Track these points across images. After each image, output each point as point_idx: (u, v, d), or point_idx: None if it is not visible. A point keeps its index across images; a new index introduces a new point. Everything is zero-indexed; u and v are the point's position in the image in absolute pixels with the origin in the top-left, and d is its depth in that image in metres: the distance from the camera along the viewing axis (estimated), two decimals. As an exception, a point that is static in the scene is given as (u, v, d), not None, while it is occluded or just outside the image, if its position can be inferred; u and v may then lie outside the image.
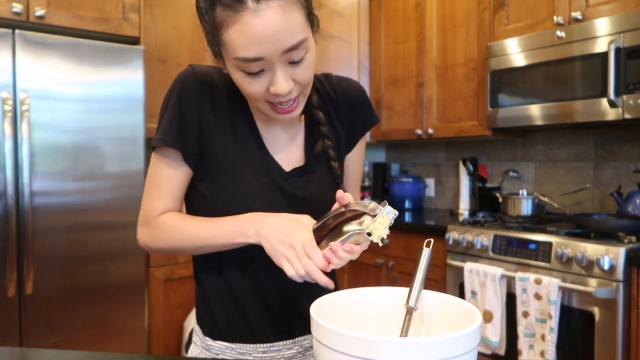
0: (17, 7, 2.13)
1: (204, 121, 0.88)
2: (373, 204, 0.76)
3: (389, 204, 0.75)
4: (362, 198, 3.23)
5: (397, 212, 0.75)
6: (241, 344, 0.92)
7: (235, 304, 0.92)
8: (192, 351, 0.98)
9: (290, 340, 0.94)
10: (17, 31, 2.07)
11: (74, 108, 2.19)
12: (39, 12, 2.18)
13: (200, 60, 2.87)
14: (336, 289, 0.89)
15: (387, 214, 0.74)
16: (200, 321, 0.97)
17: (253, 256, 0.88)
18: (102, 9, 2.35)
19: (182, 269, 2.56)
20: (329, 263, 0.74)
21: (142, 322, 2.39)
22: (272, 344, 0.93)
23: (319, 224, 0.78)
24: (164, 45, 2.75)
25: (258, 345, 0.92)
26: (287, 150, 0.93)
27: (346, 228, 0.77)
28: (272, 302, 0.92)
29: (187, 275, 2.58)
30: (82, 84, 2.21)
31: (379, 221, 0.74)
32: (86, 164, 2.22)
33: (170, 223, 0.88)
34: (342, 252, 0.74)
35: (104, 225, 2.27)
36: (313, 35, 0.81)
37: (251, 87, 0.78)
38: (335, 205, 0.79)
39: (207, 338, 0.95)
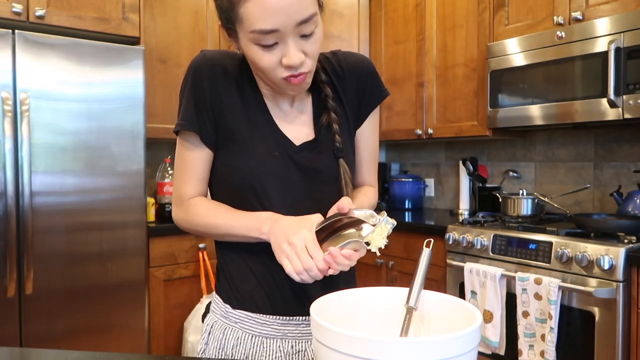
0: (17, 7, 2.13)
1: (216, 102, 0.92)
2: (370, 213, 0.78)
3: (387, 214, 0.78)
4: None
5: (395, 223, 0.79)
6: (260, 314, 0.94)
7: (256, 275, 0.95)
8: (210, 319, 1.00)
9: (310, 317, 0.94)
10: (17, 31, 2.07)
11: (74, 108, 2.19)
12: (39, 12, 2.18)
13: (200, 60, 2.86)
14: (352, 286, 0.90)
15: (385, 225, 0.77)
16: (220, 290, 1.00)
17: None
18: (102, 9, 2.35)
19: (182, 269, 2.56)
20: (329, 267, 0.77)
21: (142, 322, 2.39)
22: (291, 318, 0.94)
23: (320, 226, 0.80)
24: (164, 45, 2.75)
25: (277, 317, 0.94)
26: (296, 126, 0.96)
27: (346, 233, 0.79)
28: (290, 279, 0.92)
29: (187, 275, 2.58)
30: (82, 84, 2.21)
31: (378, 232, 0.77)
32: (86, 164, 2.22)
33: (197, 209, 0.94)
34: (342, 257, 0.77)
35: (104, 225, 2.27)
36: (320, 14, 0.85)
37: (265, 59, 0.82)
38: (335, 210, 0.81)
39: (227, 306, 0.97)
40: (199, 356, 0.98)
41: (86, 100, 2.22)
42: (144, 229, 2.38)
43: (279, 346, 0.93)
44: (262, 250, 0.91)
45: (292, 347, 0.94)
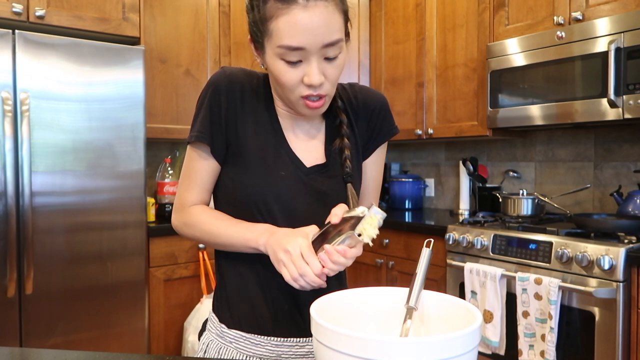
0: (17, 7, 2.13)
1: (231, 117, 0.95)
2: (361, 208, 0.79)
3: (376, 206, 0.79)
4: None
5: (384, 213, 0.79)
6: (255, 335, 0.95)
7: (252, 297, 0.96)
8: (206, 338, 1.01)
9: (304, 339, 0.96)
10: (17, 31, 2.06)
11: (74, 108, 2.19)
12: (39, 12, 2.18)
13: (200, 60, 2.87)
14: (343, 288, 0.91)
15: (374, 215, 0.78)
16: (216, 309, 1.01)
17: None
18: (102, 9, 2.35)
19: (182, 269, 2.56)
20: (323, 267, 0.78)
21: (142, 322, 2.39)
22: (285, 339, 0.95)
23: (317, 235, 0.81)
24: (164, 45, 2.75)
25: (272, 338, 0.95)
26: (308, 148, 0.98)
27: (341, 233, 0.81)
28: (287, 300, 0.96)
29: (187, 275, 2.58)
30: (82, 84, 2.21)
31: (368, 221, 0.78)
32: (86, 164, 2.22)
33: (198, 216, 0.96)
34: (336, 254, 0.78)
35: (104, 225, 2.27)
36: (345, 42, 0.90)
37: (287, 75, 0.85)
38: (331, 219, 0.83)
39: (223, 325, 0.98)
40: None
41: (86, 100, 2.22)
42: (144, 229, 2.38)
43: None
44: (258, 272, 0.95)
45: None
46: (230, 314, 0.97)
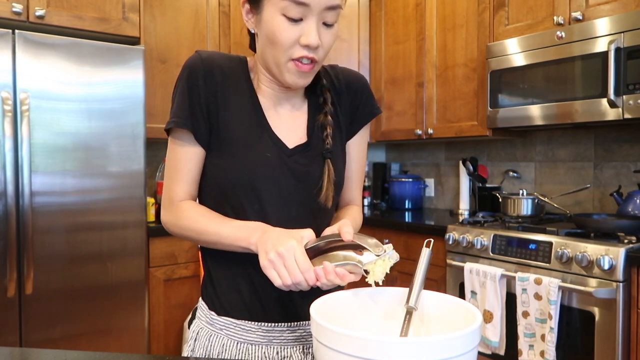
0: (17, 7, 2.13)
1: (211, 101, 0.93)
2: (374, 241, 0.76)
3: (392, 248, 0.75)
4: (363, 198, 3.23)
5: (399, 257, 0.77)
6: (245, 321, 0.94)
7: (240, 283, 0.95)
8: (195, 325, 1.00)
9: (295, 323, 0.95)
10: (17, 31, 2.06)
11: (74, 108, 2.19)
12: (39, 12, 2.18)
13: (200, 60, 2.86)
14: (339, 288, 0.91)
15: (389, 259, 0.74)
16: (205, 296, 1.00)
17: None
18: (102, 9, 2.35)
19: (182, 269, 2.56)
20: (317, 280, 0.76)
21: (142, 322, 2.39)
22: (276, 324, 0.94)
23: (314, 244, 0.78)
24: (164, 45, 2.75)
25: (262, 323, 0.94)
26: (290, 129, 0.97)
27: (345, 254, 0.77)
28: (274, 287, 0.93)
29: (187, 275, 2.58)
30: (82, 84, 2.21)
31: (380, 264, 0.75)
32: (86, 164, 2.22)
33: (187, 212, 0.93)
34: (334, 275, 0.76)
35: (104, 225, 2.27)
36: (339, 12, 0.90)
37: (285, 32, 0.85)
38: (333, 230, 0.81)
39: (212, 313, 0.97)
40: None
41: (86, 100, 2.22)
42: (144, 229, 2.38)
43: (264, 352, 0.94)
44: (246, 258, 0.92)
45: (277, 353, 0.94)
46: (219, 301, 0.96)
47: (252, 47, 0.99)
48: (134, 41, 2.46)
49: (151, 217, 2.62)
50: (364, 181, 3.51)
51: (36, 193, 2.10)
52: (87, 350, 2.19)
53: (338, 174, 0.98)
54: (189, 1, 2.82)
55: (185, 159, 0.94)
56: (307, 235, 0.80)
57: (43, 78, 2.11)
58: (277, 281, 0.76)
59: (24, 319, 2.09)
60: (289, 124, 0.97)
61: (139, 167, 2.35)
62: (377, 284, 0.75)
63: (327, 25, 0.87)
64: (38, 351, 0.92)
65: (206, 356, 0.95)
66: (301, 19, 0.84)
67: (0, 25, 2.14)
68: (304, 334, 0.96)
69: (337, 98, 1.02)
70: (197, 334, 0.98)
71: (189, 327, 1.04)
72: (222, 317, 0.95)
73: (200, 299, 1.02)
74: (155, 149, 3.01)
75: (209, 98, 0.92)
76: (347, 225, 0.80)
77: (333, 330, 0.61)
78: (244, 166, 0.91)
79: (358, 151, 1.06)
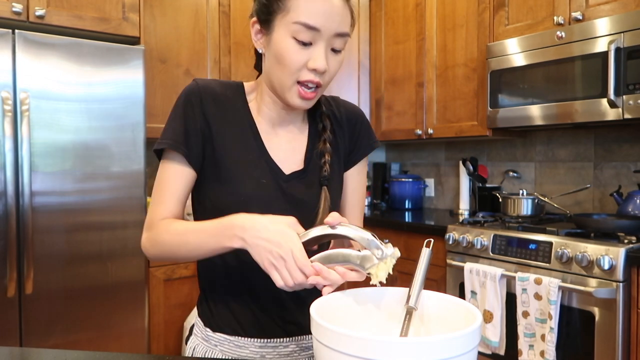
0: (17, 7, 2.13)
1: (206, 128, 0.93)
2: (375, 242, 0.73)
3: (393, 246, 0.74)
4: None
5: (399, 254, 0.76)
6: (239, 337, 0.96)
7: (234, 300, 0.96)
8: (192, 342, 1.02)
9: (288, 339, 0.96)
10: (17, 31, 2.06)
11: (74, 108, 2.19)
12: (39, 12, 2.18)
13: (200, 60, 2.87)
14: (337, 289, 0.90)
15: (391, 258, 0.74)
16: (201, 313, 1.02)
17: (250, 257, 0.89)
18: (102, 9, 2.35)
19: (182, 269, 2.56)
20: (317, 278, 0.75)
21: (142, 322, 2.39)
22: (269, 340, 0.95)
23: (307, 238, 0.77)
24: (164, 45, 2.75)
25: (255, 339, 0.95)
26: (288, 156, 0.98)
27: (345, 252, 0.75)
28: (268, 302, 0.95)
29: (187, 275, 2.58)
30: (82, 84, 2.21)
31: (382, 267, 0.74)
32: (86, 163, 2.22)
33: (164, 227, 0.90)
34: (335, 275, 0.75)
35: (104, 225, 2.27)
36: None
37: (294, 55, 0.86)
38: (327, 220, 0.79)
39: (208, 329, 0.99)
40: None
41: (86, 100, 2.22)
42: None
43: None
44: (238, 278, 0.94)
45: None
46: (214, 318, 0.98)
47: (257, 67, 0.99)
48: (134, 41, 2.46)
49: (151, 217, 2.62)
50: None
51: (36, 193, 2.10)
52: (87, 350, 2.19)
53: (334, 202, 0.98)
54: (189, 1, 2.82)
55: (175, 177, 0.93)
56: (295, 229, 0.78)
57: (43, 78, 2.11)
58: (279, 282, 0.75)
59: (24, 319, 2.09)
60: (288, 148, 0.98)
61: (139, 167, 2.35)
62: (380, 284, 0.75)
63: (334, 51, 0.88)
64: (38, 351, 0.92)
65: None
66: (311, 43, 0.85)
67: (0, 25, 2.14)
68: (297, 348, 0.97)
69: (338, 128, 1.03)
70: (194, 350, 1.01)
71: (186, 343, 1.06)
72: (217, 334, 0.97)
73: (197, 315, 1.04)
74: (155, 149, 3.00)
75: (204, 126, 0.93)
76: (332, 216, 0.78)
77: (333, 330, 0.61)
78: (239, 192, 0.92)
79: (358, 181, 1.07)
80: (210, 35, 2.89)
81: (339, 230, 0.76)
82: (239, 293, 0.96)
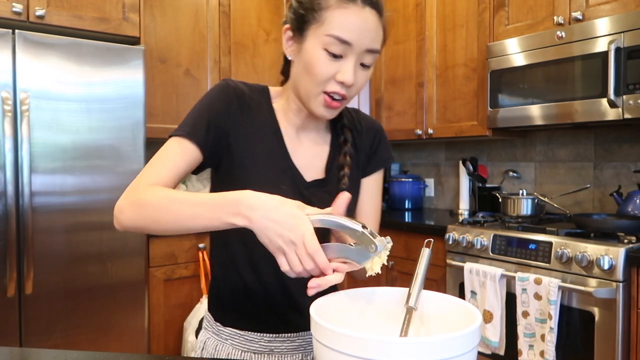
0: (17, 7, 2.13)
1: (230, 128, 0.94)
2: (367, 237, 0.71)
3: (385, 238, 0.73)
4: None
5: (392, 242, 0.75)
6: (249, 332, 0.98)
7: (244, 296, 0.98)
8: (202, 336, 1.04)
9: (295, 334, 0.99)
10: (17, 31, 2.06)
11: (74, 108, 2.19)
12: (39, 12, 2.18)
13: (200, 60, 2.87)
14: (337, 288, 0.90)
15: (385, 251, 0.73)
16: (211, 308, 1.04)
17: (261, 252, 0.86)
18: (102, 9, 2.35)
19: (182, 269, 2.56)
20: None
21: (142, 322, 2.39)
22: (277, 335, 0.98)
23: (315, 221, 0.74)
24: (164, 45, 2.75)
25: (264, 334, 0.98)
26: (310, 163, 0.99)
27: (340, 247, 0.74)
28: (277, 297, 0.97)
29: (187, 275, 2.58)
30: (82, 84, 2.21)
31: (377, 261, 0.74)
32: (86, 164, 2.22)
33: (156, 190, 0.84)
34: (338, 277, 0.74)
35: (104, 225, 2.27)
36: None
37: (323, 66, 0.87)
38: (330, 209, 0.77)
39: (218, 324, 1.01)
40: None
41: (86, 100, 2.22)
42: (144, 229, 2.38)
43: None
44: (249, 274, 0.96)
45: None
46: (224, 313, 1.00)
47: (284, 72, 1.00)
48: (134, 41, 2.46)
49: (151, 217, 2.62)
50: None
51: (36, 193, 2.10)
52: (87, 350, 2.19)
53: (350, 213, 1.00)
54: (189, 1, 2.82)
55: (179, 153, 0.90)
56: (302, 206, 0.75)
57: (43, 78, 2.11)
58: (284, 267, 0.72)
59: (24, 319, 2.09)
60: (310, 155, 1.00)
61: (139, 167, 2.35)
62: (376, 274, 0.76)
63: (363, 66, 0.89)
64: (38, 351, 0.93)
65: None
66: (341, 56, 0.86)
67: (0, 25, 2.14)
68: (303, 343, 1.00)
69: (359, 140, 1.05)
70: (204, 343, 1.03)
71: (196, 337, 1.07)
72: (228, 328, 1.00)
73: (207, 310, 1.05)
74: (155, 149, 2.99)
75: (227, 125, 0.93)
76: (341, 198, 0.78)
77: (333, 330, 0.61)
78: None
79: (372, 191, 1.08)
80: (210, 35, 2.89)
81: (337, 219, 0.73)
82: (249, 289, 0.97)
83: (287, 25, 0.93)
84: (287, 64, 0.98)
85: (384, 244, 0.73)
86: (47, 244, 2.13)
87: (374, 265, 0.74)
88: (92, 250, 2.24)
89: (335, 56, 0.86)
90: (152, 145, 2.96)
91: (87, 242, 2.23)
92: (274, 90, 1.02)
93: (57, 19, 2.24)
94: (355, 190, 1.02)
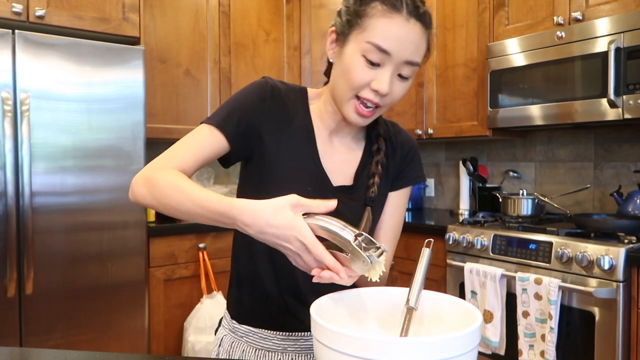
0: (17, 7, 2.13)
1: (262, 124, 0.95)
2: (351, 240, 0.70)
3: (382, 247, 0.72)
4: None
5: (387, 249, 0.75)
6: (263, 330, 1.00)
7: (259, 296, 1.00)
8: (220, 333, 1.07)
9: (308, 333, 1.00)
10: (17, 31, 2.06)
11: (74, 108, 2.19)
12: (39, 12, 2.18)
13: (200, 60, 2.87)
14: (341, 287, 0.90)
15: (379, 264, 0.72)
16: (229, 307, 1.07)
17: (277, 254, 0.90)
18: (102, 9, 2.35)
19: (182, 269, 2.56)
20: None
21: (142, 322, 2.39)
22: (291, 334, 0.99)
23: (312, 221, 0.73)
24: (164, 45, 2.75)
25: (278, 332, 0.99)
26: (339, 168, 0.99)
27: (336, 254, 0.73)
28: (291, 297, 0.99)
29: (187, 275, 2.58)
30: (82, 84, 2.21)
31: (372, 273, 0.72)
32: (86, 164, 2.22)
33: (171, 172, 0.87)
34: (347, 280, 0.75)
35: (104, 225, 2.27)
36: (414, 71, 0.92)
37: (361, 72, 0.87)
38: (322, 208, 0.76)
39: (234, 321, 1.03)
40: None
41: (86, 100, 2.22)
42: (144, 229, 2.38)
43: (280, 358, 0.99)
44: (266, 275, 0.98)
45: (291, 359, 0.99)
46: (242, 311, 1.02)
47: (327, 74, 1.00)
48: (134, 41, 2.46)
49: (151, 217, 2.62)
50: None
51: (36, 193, 2.10)
52: (87, 350, 2.19)
53: (374, 223, 1.00)
54: (189, 1, 2.82)
55: (207, 140, 0.92)
56: (295, 204, 0.74)
57: (43, 78, 2.11)
58: (297, 265, 0.76)
59: (24, 319, 2.09)
60: (340, 160, 0.99)
61: (139, 167, 2.35)
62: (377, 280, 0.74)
63: (401, 77, 0.89)
64: (38, 351, 0.93)
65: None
66: (379, 65, 0.86)
67: (0, 25, 2.14)
68: None
69: (392, 152, 1.04)
70: (221, 340, 1.05)
71: (215, 334, 1.10)
72: (243, 326, 1.02)
73: (225, 308, 1.08)
74: (155, 149, 3.00)
75: (260, 123, 0.94)
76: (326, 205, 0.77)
77: (333, 330, 0.61)
78: (280, 193, 0.87)
79: (397, 205, 1.06)
80: (210, 35, 2.89)
81: (333, 226, 0.72)
82: (265, 288, 0.99)
83: (333, 28, 0.93)
84: (329, 66, 0.99)
85: (375, 258, 0.71)
86: (47, 244, 2.13)
87: (371, 276, 0.73)
88: (92, 250, 2.24)
89: (373, 64, 0.86)
90: (152, 145, 2.96)
91: (87, 242, 2.23)
92: (312, 91, 1.02)
93: (57, 19, 2.24)
94: (380, 202, 1.02)
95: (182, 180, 0.85)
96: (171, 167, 0.89)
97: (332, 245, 0.73)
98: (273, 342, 0.99)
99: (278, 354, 0.99)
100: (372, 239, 0.73)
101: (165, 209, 0.86)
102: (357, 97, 0.89)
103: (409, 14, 0.86)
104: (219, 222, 0.79)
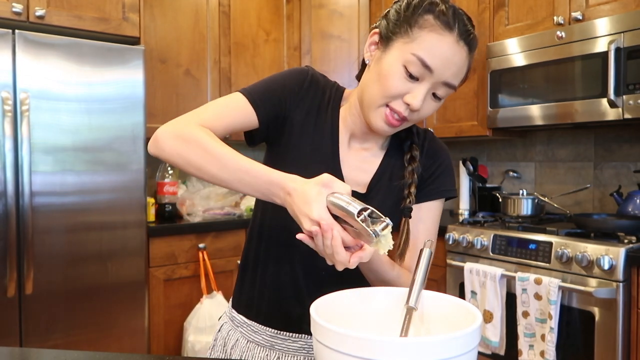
0: (17, 7, 2.13)
1: (294, 108, 0.95)
2: (355, 210, 0.70)
3: (382, 225, 0.71)
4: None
5: (391, 222, 0.73)
6: (255, 322, 1.00)
7: (257, 288, 1.01)
8: (222, 319, 1.09)
9: (297, 335, 0.98)
10: (17, 31, 2.06)
11: (74, 108, 2.19)
12: (39, 12, 2.18)
13: (200, 60, 2.87)
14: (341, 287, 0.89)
15: (384, 237, 0.72)
16: (234, 293, 1.08)
17: (283, 254, 0.96)
18: (102, 9, 2.35)
19: (182, 269, 2.56)
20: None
21: (142, 322, 2.39)
22: (279, 332, 0.98)
23: (336, 202, 0.73)
24: (164, 45, 2.75)
25: (268, 328, 0.99)
26: (354, 174, 0.97)
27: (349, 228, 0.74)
28: (285, 296, 0.98)
29: (187, 275, 2.58)
30: (82, 84, 2.21)
31: (380, 246, 0.73)
32: (86, 164, 2.22)
33: (203, 134, 0.83)
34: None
35: (104, 225, 2.27)
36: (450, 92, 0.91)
37: (397, 82, 0.85)
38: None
39: (234, 310, 1.05)
40: (209, 351, 1.08)
41: (86, 100, 2.22)
42: (144, 229, 2.38)
43: (267, 355, 0.98)
44: (267, 270, 0.98)
45: (277, 358, 0.98)
46: (240, 300, 1.04)
47: (359, 77, 0.98)
48: (134, 41, 2.46)
49: (151, 217, 2.62)
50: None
51: (36, 193, 2.10)
52: (87, 350, 2.19)
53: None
54: (189, 1, 2.82)
55: (240, 109, 0.91)
56: (328, 182, 0.73)
57: (43, 78, 2.11)
58: (310, 244, 0.74)
59: (24, 319, 2.09)
60: (357, 166, 0.97)
61: (139, 167, 2.35)
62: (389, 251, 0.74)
63: (435, 96, 0.88)
64: (38, 351, 0.93)
65: (223, 346, 1.04)
66: (417, 79, 0.85)
67: (0, 25, 2.14)
68: (305, 345, 0.99)
69: (421, 162, 0.99)
70: (221, 326, 1.07)
71: (219, 320, 1.12)
72: (240, 315, 1.03)
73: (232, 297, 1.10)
74: (155, 149, 3.00)
75: (293, 105, 0.94)
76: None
77: (333, 330, 0.61)
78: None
79: (428, 219, 0.99)
80: (210, 35, 2.89)
81: (340, 200, 0.72)
82: (266, 282, 0.99)
83: (376, 30, 0.92)
84: (363, 68, 0.97)
85: (378, 232, 0.71)
86: (47, 244, 2.13)
87: (380, 249, 0.74)
88: (92, 250, 2.24)
89: (412, 77, 0.85)
90: (152, 145, 2.97)
91: (87, 242, 2.23)
92: (347, 92, 1.00)
93: (57, 19, 2.24)
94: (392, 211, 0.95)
95: (221, 143, 0.83)
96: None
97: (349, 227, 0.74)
98: (262, 337, 0.99)
99: (265, 350, 0.98)
100: (379, 213, 0.72)
101: (194, 170, 0.82)
102: (387, 106, 0.87)
103: (460, 35, 0.85)
104: (263, 192, 0.78)
